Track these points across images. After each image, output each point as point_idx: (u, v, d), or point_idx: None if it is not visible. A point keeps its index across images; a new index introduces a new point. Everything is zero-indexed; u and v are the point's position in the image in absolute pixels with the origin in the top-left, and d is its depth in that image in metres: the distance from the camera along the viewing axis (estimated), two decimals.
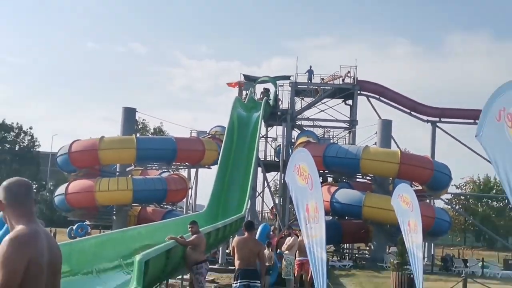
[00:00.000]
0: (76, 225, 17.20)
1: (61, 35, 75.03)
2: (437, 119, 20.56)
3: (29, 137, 39.08)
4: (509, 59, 72.68)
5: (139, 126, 31.10)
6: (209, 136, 18.74)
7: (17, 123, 37.55)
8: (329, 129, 21.97)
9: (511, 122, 3.39)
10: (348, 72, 19.81)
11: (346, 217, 17.59)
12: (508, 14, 68.32)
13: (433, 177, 15.90)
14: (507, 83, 3.38)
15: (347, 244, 19.88)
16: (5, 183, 1.43)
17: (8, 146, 37.77)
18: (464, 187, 35.99)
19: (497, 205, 34.97)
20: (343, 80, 20.01)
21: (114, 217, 17.45)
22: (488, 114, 3.48)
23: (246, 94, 19.75)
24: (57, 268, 1.45)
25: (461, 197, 36.18)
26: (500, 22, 69.49)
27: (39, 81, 74.51)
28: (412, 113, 20.83)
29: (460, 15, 72.10)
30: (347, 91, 20.32)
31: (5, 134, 37.31)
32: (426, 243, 17.06)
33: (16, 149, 38.06)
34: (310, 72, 20.52)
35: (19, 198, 1.42)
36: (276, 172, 20.80)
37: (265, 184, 20.67)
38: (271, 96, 19.70)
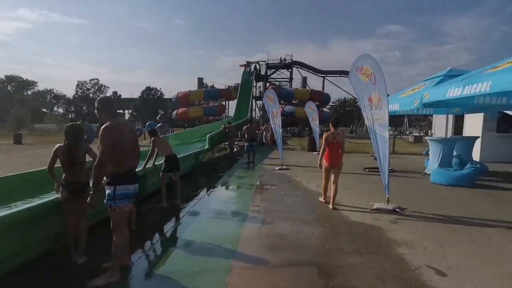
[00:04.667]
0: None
1: None
2: (325, 75, 43.24)
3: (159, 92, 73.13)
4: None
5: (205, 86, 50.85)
6: (233, 87, 37.93)
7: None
8: (281, 81, 44.10)
9: (361, 73, 5.88)
10: (290, 56, 42.17)
11: (288, 117, 34.04)
12: None
13: (323, 99, 36.98)
14: (360, 56, 5.91)
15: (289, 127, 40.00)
16: (99, 98, 3.03)
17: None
18: (335, 102, 69.05)
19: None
20: (284, 60, 41.83)
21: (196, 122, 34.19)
22: (353, 69, 6.08)
23: (247, 69, 38.78)
24: (135, 141, 3.06)
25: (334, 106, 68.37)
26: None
27: None
28: (315, 73, 43.55)
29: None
30: (288, 65, 42.54)
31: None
32: None
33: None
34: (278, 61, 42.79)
35: (107, 106, 2.98)
36: (260, 100, 38.13)
37: (255, 105, 41.40)
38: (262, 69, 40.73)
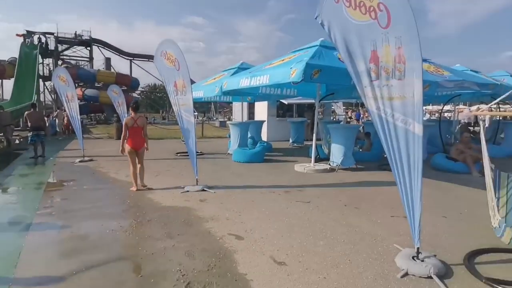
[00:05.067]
0: None
1: None
2: (132, 58, 43.71)
3: None
4: None
5: None
6: (8, 62, 29.99)
7: None
8: (79, 60, 40.45)
9: (165, 58, 5.64)
10: (88, 32, 38.49)
11: (92, 102, 31.48)
12: None
13: (131, 84, 35.35)
14: (163, 41, 5.80)
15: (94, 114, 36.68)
16: None
17: None
18: (145, 87, 67.28)
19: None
20: (81, 36, 37.82)
21: None
22: (157, 53, 5.66)
23: (27, 40, 32.17)
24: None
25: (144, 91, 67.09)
26: None
27: None
28: (121, 55, 42.95)
29: None
30: (86, 42, 39.04)
31: None
32: None
33: None
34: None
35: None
36: (50, 81, 32.35)
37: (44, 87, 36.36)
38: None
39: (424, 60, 7.61)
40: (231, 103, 20.31)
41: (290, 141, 12.80)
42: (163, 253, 3.27)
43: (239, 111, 15.70)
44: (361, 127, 11.46)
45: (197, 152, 6.02)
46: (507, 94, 3.46)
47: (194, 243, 3.51)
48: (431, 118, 18.80)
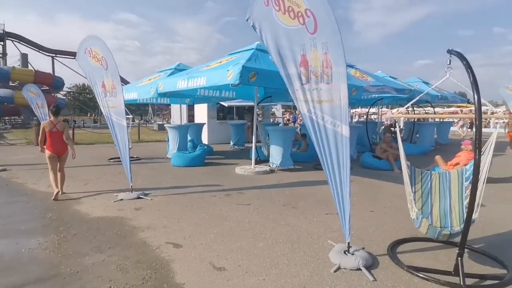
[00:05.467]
0: None
1: None
2: (54, 55, 41.52)
3: None
4: None
5: None
6: None
7: None
8: None
9: (90, 55, 5.17)
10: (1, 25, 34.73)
11: (5, 103, 28.41)
12: None
13: (54, 83, 32.36)
14: (87, 37, 5.27)
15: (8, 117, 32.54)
16: None
17: None
18: (72, 88, 66.46)
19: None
20: None
21: None
22: (81, 50, 5.16)
23: None
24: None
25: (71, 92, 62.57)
26: None
27: None
28: (40, 51, 40.20)
29: None
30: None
31: None
32: None
33: None
34: None
35: None
36: None
37: None
38: None
39: (351, 66, 8.25)
40: (170, 105, 19.65)
41: (231, 143, 12.81)
42: (91, 270, 2.98)
43: (178, 113, 15.24)
44: (298, 129, 11.97)
45: (133, 157, 5.68)
46: (417, 98, 3.91)
47: (128, 256, 3.27)
48: (360, 120, 20.45)
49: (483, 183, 2.80)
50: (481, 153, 2.69)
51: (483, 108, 2.46)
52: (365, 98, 10.43)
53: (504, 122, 13.92)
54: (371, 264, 3.06)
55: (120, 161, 5.73)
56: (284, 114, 27.37)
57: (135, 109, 49.46)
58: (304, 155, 9.54)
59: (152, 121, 44.96)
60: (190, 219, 4.39)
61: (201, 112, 14.60)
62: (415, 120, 13.35)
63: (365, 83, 7.33)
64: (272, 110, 23.84)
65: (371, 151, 9.40)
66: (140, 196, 5.45)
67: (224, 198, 5.50)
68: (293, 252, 3.37)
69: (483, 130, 2.48)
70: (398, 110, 6.63)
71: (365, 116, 16.68)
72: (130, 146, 7.49)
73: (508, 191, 5.99)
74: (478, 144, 2.47)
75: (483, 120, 2.40)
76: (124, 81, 33.17)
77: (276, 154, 8.03)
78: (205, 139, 13.32)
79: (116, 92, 5.12)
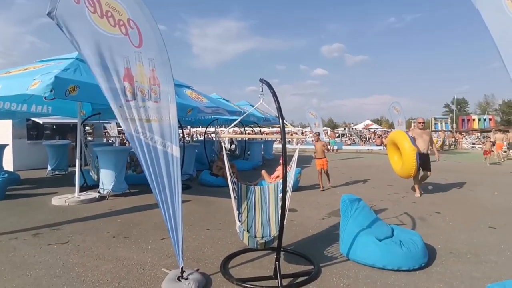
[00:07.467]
0: None
1: None
2: None
3: None
4: None
5: None
6: None
7: None
8: None
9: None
10: None
11: None
12: None
13: None
14: None
15: None
16: None
17: None
18: None
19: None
20: None
21: None
22: None
23: None
24: None
25: None
26: None
27: None
28: None
29: None
30: None
31: None
32: None
33: None
34: None
35: None
36: None
37: None
38: None
39: (188, 87, 8.44)
40: None
41: (49, 168, 10.56)
42: None
43: None
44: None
45: None
46: (238, 120, 4.26)
47: None
48: (199, 138, 21.19)
49: (290, 191, 3.29)
50: (289, 167, 3.15)
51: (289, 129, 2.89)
52: (203, 118, 10.87)
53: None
54: (204, 285, 3.02)
55: None
56: (120, 133, 25.11)
57: None
58: (142, 176, 8.90)
59: None
60: None
61: (3, 131, 11.42)
62: (247, 139, 14.93)
63: (201, 104, 7.60)
64: (106, 129, 21.54)
65: (209, 169, 9.77)
66: None
67: (31, 239, 4.35)
68: None
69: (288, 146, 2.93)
70: (227, 131, 7.20)
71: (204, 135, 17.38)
72: None
73: (313, 196, 7.41)
74: (284, 159, 2.88)
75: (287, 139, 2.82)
76: None
77: (107, 178, 7.12)
78: (9, 164, 10.46)
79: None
